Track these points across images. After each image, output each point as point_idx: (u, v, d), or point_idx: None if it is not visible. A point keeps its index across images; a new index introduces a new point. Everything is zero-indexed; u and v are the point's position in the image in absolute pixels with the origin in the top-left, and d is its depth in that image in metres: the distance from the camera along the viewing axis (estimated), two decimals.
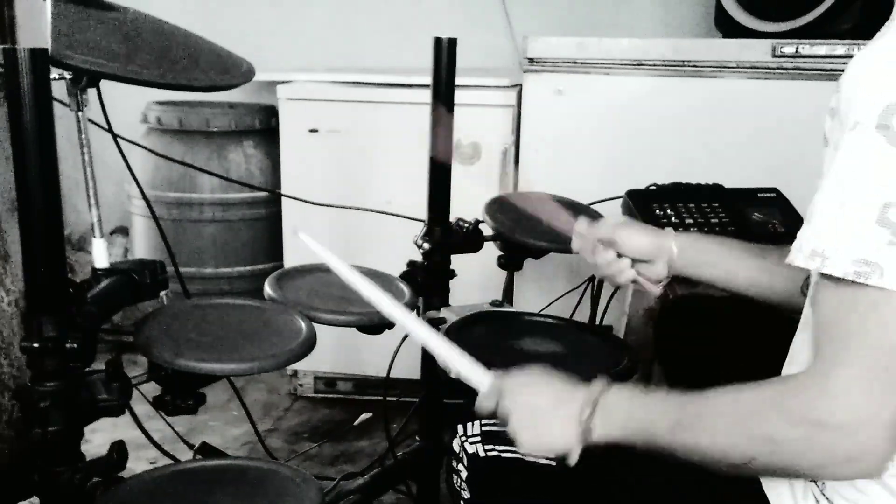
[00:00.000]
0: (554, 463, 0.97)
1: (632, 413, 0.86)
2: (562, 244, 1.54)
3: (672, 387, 0.92)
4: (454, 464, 1.07)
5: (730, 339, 1.20)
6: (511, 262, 1.60)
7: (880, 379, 0.70)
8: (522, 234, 1.53)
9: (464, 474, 1.04)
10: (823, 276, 0.73)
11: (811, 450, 0.73)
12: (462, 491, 1.05)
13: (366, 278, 1.03)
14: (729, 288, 1.14)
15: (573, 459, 0.89)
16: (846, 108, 0.73)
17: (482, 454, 1.02)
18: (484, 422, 1.03)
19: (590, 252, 1.20)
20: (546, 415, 0.89)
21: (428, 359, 1.60)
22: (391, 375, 1.59)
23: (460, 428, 1.05)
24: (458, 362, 0.98)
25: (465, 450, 1.04)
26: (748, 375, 0.79)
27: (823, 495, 0.81)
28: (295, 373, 2.43)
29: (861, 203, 0.70)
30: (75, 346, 0.98)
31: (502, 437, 1.00)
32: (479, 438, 1.03)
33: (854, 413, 0.70)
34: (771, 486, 0.85)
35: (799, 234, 0.75)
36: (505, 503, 1.03)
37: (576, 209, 1.67)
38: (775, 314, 1.23)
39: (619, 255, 1.16)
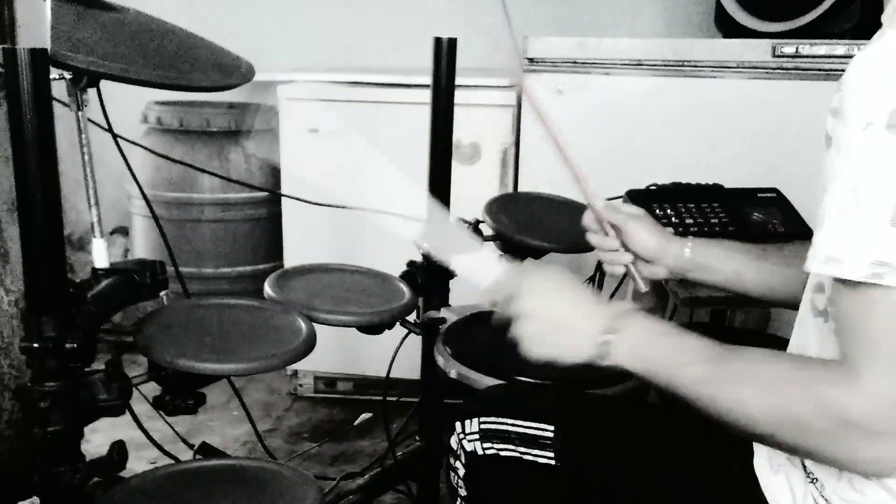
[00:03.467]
0: (553, 462, 0.97)
1: (656, 351, 0.84)
2: (562, 244, 1.55)
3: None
4: (452, 461, 1.07)
5: None
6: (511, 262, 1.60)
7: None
8: (522, 234, 1.53)
9: (461, 472, 1.04)
10: (839, 280, 0.72)
11: (836, 444, 0.73)
12: (459, 488, 1.05)
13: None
14: (734, 290, 1.14)
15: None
16: (851, 109, 0.72)
17: (480, 452, 1.02)
18: (482, 419, 1.03)
19: (597, 231, 1.19)
20: (562, 326, 0.88)
21: (428, 359, 1.60)
22: (391, 375, 1.58)
23: (458, 425, 1.05)
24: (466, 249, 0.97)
25: (462, 447, 1.04)
26: None
27: (822, 497, 0.81)
28: (295, 373, 2.43)
29: (874, 204, 0.69)
30: (75, 346, 0.98)
31: (501, 436, 1.00)
32: (477, 436, 1.03)
33: (880, 411, 0.70)
34: (769, 487, 0.85)
35: (813, 240, 0.74)
36: (502, 501, 1.03)
37: (575, 209, 1.68)
38: (769, 341, 1.23)
39: (624, 247, 1.16)
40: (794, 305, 1.09)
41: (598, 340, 0.85)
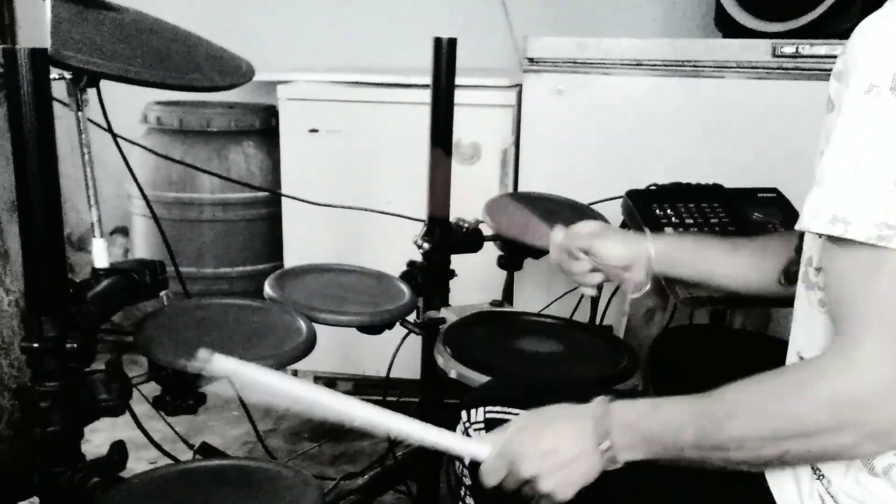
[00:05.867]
0: None
1: (649, 433, 0.84)
2: None
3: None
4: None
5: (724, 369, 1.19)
6: (511, 262, 1.60)
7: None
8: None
9: (466, 460, 1.03)
10: (838, 241, 0.71)
11: (843, 429, 0.72)
12: (464, 478, 1.04)
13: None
14: (707, 285, 1.16)
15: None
16: (855, 71, 0.71)
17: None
18: (488, 409, 1.02)
19: (566, 261, 1.22)
20: (565, 464, 0.87)
21: (428, 359, 1.60)
22: (391, 375, 1.59)
23: (464, 414, 1.04)
24: (449, 442, 0.95)
25: (468, 436, 1.03)
26: None
27: (829, 494, 0.81)
28: (295, 373, 2.43)
29: (879, 165, 0.69)
30: (75, 346, 0.98)
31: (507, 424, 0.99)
32: (482, 426, 1.02)
33: (881, 385, 0.69)
34: (776, 484, 0.85)
35: (810, 200, 0.73)
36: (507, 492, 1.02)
37: (575, 209, 1.68)
38: (770, 343, 1.24)
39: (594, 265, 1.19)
40: (768, 296, 1.10)
41: (600, 456, 0.86)
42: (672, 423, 0.83)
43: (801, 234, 1.08)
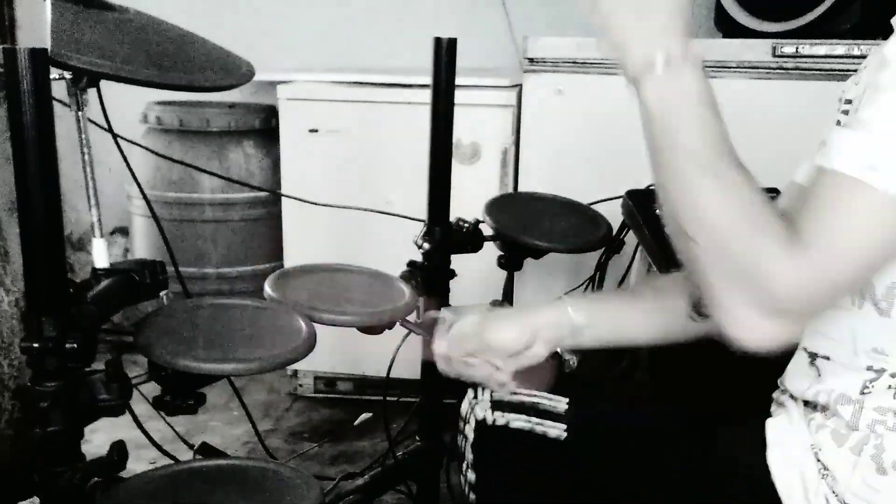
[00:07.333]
0: (564, 434, 0.96)
1: (684, 108, 0.85)
2: (562, 244, 1.55)
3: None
4: (461, 426, 1.04)
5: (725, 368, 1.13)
6: (511, 262, 1.60)
7: (834, 273, 0.72)
8: (522, 234, 1.53)
9: (470, 437, 1.01)
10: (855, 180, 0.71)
11: (746, 286, 0.74)
12: (466, 452, 1.02)
13: None
14: (623, 343, 1.05)
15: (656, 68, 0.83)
16: None
17: (490, 420, 1.00)
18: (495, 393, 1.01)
19: (465, 370, 1.04)
20: (636, 11, 0.85)
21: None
22: (391, 375, 1.58)
23: (471, 392, 1.03)
24: None
25: (474, 413, 1.01)
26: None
27: (834, 492, 0.81)
28: (295, 373, 2.44)
29: None
30: (75, 346, 0.98)
31: (513, 405, 0.99)
32: (489, 403, 1.01)
33: (795, 285, 0.71)
34: (781, 481, 0.85)
35: (847, 139, 0.73)
36: (510, 472, 1.01)
37: (575, 209, 1.68)
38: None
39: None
40: (689, 340, 1.03)
41: (652, 49, 0.84)
42: (703, 128, 0.87)
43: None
